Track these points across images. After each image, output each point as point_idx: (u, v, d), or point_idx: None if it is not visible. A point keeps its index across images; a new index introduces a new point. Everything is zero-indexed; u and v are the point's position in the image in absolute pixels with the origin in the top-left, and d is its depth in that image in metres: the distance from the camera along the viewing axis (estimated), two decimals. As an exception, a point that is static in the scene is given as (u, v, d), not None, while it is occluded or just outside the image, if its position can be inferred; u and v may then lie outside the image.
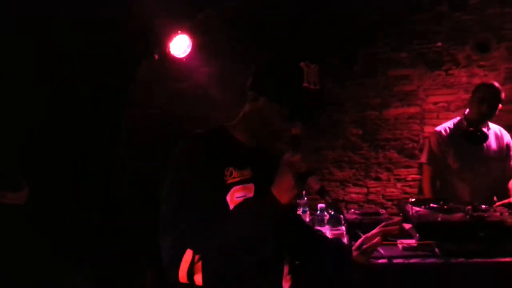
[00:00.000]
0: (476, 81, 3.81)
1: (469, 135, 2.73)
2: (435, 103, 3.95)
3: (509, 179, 2.76)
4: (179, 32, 3.63)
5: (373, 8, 3.98)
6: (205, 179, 1.15)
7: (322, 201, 1.20)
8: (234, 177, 1.19)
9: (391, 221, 1.58)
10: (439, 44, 3.92)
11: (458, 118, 2.86)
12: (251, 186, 1.21)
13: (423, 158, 2.95)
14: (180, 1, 3.57)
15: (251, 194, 1.20)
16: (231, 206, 1.16)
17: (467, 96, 3.80)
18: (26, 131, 2.89)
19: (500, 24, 3.81)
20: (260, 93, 1.24)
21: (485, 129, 2.74)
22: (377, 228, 1.52)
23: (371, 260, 1.78)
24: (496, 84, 2.77)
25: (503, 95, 2.72)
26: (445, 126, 2.88)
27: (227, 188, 1.18)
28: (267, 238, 1.11)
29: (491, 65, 3.83)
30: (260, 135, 1.27)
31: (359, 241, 1.52)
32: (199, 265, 1.06)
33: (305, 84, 1.19)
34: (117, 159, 3.87)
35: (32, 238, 2.49)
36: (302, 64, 1.21)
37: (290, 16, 4.10)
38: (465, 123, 2.77)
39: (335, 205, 1.20)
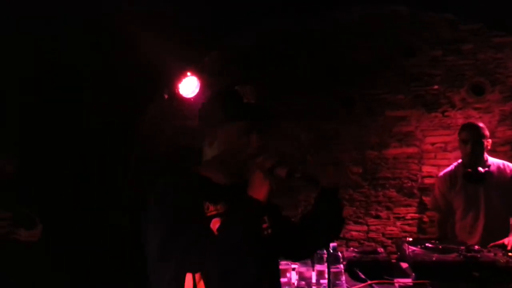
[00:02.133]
0: (472, 122, 3.97)
1: (467, 176, 2.81)
2: (433, 144, 4.08)
3: None
4: (188, 74, 3.84)
5: (370, 51, 4.19)
6: (191, 210, 1.24)
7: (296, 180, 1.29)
8: (211, 211, 1.28)
9: None
10: (436, 87, 4.09)
11: (459, 161, 2.94)
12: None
13: (431, 205, 3.09)
14: (188, 44, 3.78)
15: None
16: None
17: (464, 137, 3.96)
18: (42, 168, 3.02)
19: (494, 69, 3.99)
20: (214, 125, 1.37)
21: (483, 168, 2.79)
22: None
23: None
24: (476, 122, 2.88)
25: (485, 131, 2.79)
26: (446, 170, 2.97)
27: (208, 220, 1.27)
28: (256, 236, 1.22)
29: (486, 108, 3.98)
30: (229, 164, 1.36)
31: None
32: (201, 284, 1.17)
33: (244, 100, 1.35)
34: (125, 187, 4.00)
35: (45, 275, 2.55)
36: (236, 88, 1.38)
37: (294, 55, 4.32)
38: (463, 165, 2.87)
39: (308, 178, 1.31)
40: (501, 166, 2.85)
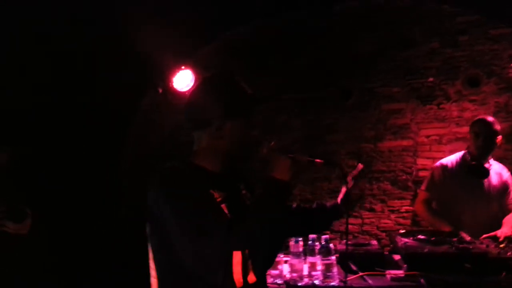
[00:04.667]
0: (467, 115, 3.94)
1: (472, 169, 2.81)
2: (428, 136, 4.07)
3: (505, 215, 2.80)
4: (183, 67, 3.81)
5: (367, 43, 4.17)
6: (210, 197, 1.28)
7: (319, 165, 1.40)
8: (217, 198, 1.30)
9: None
10: (431, 79, 4.07)
11: (463, 152, 2.93)
12: (225, 205, 1.31)
13: (423, 186, 3.06)
14: (183, 37, 3.75)
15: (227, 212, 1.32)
16: None
17: (459, 129, 3.96)
18: (36, 162, 3.01)
19: (489, 60, 3.97)
20: (226, 119, 1.34)
21: (487, 165, 2.80)
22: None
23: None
24: (490, 118, 2.87)
25: (497, 127, 2.80)
26: (451, 159, 2.96)
27: (219, 204, 1.30)
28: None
29: (481, 100, 3.96)
30: (233, 155, 1.39)
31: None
32: (249, 263, 1.22)
33: (250, 92, 1.38)
34: (119, 188, 3.98)
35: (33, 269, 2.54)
36: (238, 79, 1.39)
37: (290, 49, 4.30)
38: (469, 157, 2.86)
39: (330, 161, 1.43)
40: (498, 169, 2.90)
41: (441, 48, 4.06)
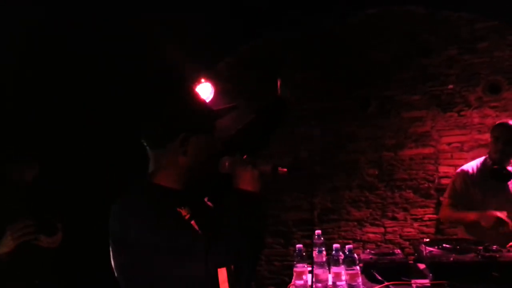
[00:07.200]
0: (489, 121, 3.91)
1: (494, 172, 2.79)
2: (449, 144, 4.04)
3: None
4: (203, 80, 3.90)
5: (385, 52, 4.19)
6: (179, 216, 1.25)
7: (282, 174, 1.36)
8: (185, 215, 1.27)
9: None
10: (451, 86, 4.06)
11: (484, 157, 2.92)
12: (194, 222, 1.28)
13: (446, 193, 3.04)
14: (202, 50, 3.83)
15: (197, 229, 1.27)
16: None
17: (480, 136, 3.92)
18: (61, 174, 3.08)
19: (510, 66, 3.93)
20: (190, 134, 1.30)
21: (509, 168, 2.78)
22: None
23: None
24: (510, 122, 2.86)
25: None
26: (471, 165, 2.94)
27: (189, 221, 1.27)
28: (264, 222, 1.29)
29: (502, 106, 3.93)
30: (196, 171, 1.34)
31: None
32: (235, 276, 1.22)
33: (210, 106, 1.38)
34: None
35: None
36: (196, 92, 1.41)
37: (309, 58, 4.34)
38: (490, 161, 2.85)
39: (294, 170, 1.36)
40: None
41: (460, 55, 4.06)
